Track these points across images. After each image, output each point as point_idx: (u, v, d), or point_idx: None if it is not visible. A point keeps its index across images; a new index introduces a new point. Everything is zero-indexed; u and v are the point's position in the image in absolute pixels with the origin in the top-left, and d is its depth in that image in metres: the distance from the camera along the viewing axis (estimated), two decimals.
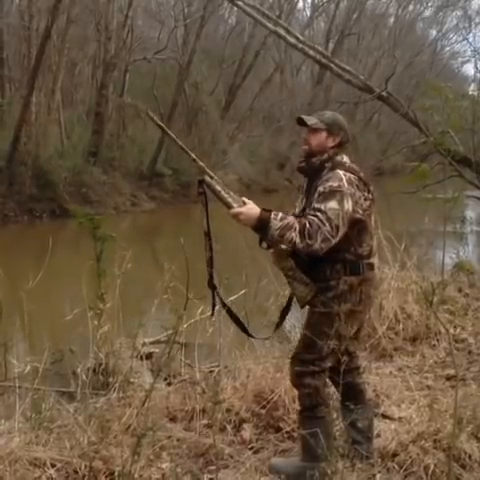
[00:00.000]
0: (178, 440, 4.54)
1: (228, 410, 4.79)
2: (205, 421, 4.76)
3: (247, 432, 4.68)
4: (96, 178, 24.66)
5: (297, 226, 3.71)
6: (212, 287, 4.10)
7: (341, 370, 3.84)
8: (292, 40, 13.37)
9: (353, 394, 4.18)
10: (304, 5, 42.39)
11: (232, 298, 6.27)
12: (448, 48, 48.90)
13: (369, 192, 3.93)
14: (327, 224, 3.71)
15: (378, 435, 4.48)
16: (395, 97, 12.20)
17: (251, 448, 4.54)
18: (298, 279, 3.96)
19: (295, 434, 4.48)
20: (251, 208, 3.83)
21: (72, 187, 23.17)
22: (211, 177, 4.01)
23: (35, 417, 4.49)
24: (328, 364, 4.01)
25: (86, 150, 25.24)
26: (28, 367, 5.42)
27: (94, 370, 5.86)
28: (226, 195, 3.93)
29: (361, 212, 3.85)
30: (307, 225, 3.70)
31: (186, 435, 4.64)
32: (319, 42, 29.39)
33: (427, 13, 45.44)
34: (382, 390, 5.48)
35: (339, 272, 3.91)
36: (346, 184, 3.82)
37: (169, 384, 5.65)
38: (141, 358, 6.18)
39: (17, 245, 17.71)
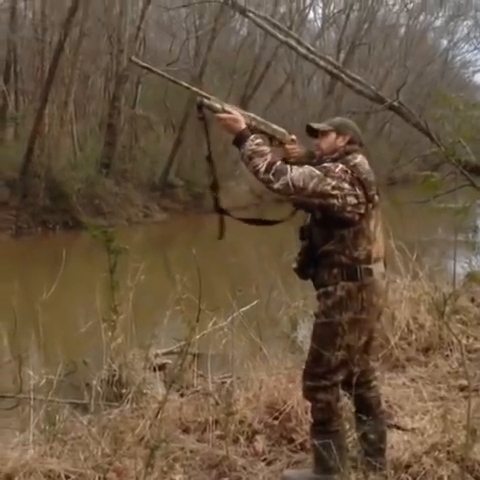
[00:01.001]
0: (191, 452, 4.55)
1: (241, 421, 4.80)
2: (218, 432, 4.76)
3: (260, 443, 4.68)
4: (108, 189, 24.75)
5: (269, 158, 3.77)
6: (219, 211, 4.15)
7: (353, 382, 3.84)
8: (303, 51, 13.39)
9: (365, 407, 4.17)
10: (315, 16, 42.64)
11: (244, 309, 6.31)
12: (459, 57, 48.82)
13: (366, 195, 3.88)
14: (296, 174, 3.74)
15: (391, 446, 4.46)
16: (406, 107, 12.18)
17: (264, 460, 4.55)
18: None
19: (308, 445, 4.48)
20: (236, 120, 3.90)
21: (85, 199, 23.25)
22: (208, 98, 4.00)
23: (49, 429, 4.52)
24: (340, 377, 3.99)
25: (99, 162, 25.34)
26: (43, 379, 5.44)
27: (107, 381, 5.88)
28: (218, 105, 3.95)
29: (341, 201, 3.79)
30: (278, 163, 3.78)
31: (199, 446, 4.64)
32: (330, 52, 29.39)
33: (438, 23, 45.37)
34: (395, 401, 5.48)
35: (336, 277, 3.89)
36: (338, 170, 3.84)
37: (182, 395, 5.65)
38: (154, 369, 6.20)
39: (31, 257, 17.79)
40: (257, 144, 3.83)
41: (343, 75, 13.19)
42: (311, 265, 4.01)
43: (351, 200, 3.83)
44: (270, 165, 3.76)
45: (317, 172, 3.79)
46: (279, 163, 3.79)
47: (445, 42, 46.75)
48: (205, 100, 3.97)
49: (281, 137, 4.21)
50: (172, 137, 29.89)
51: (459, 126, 9.83)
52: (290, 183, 3.73)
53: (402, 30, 43.11)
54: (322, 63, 13.34)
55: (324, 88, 38.91)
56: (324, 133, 4.11)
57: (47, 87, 22.51)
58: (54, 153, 23.41)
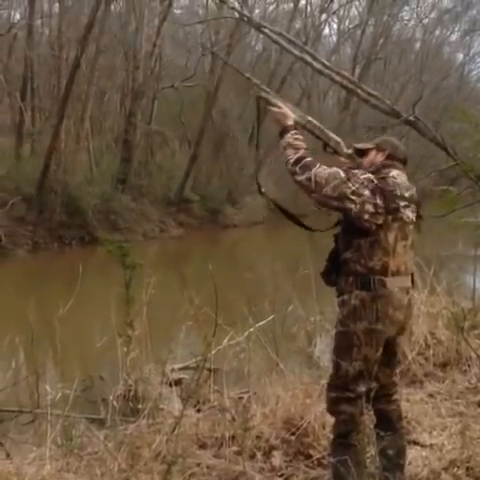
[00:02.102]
0: (208, 467, 4.52)
1: (258, 437, 4.77)
2: (235, 448, 4.74)
3: (277, 459, 4.65)
4: (125, 205, 24.85)
5: (301, 153, 3.92)
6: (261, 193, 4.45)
7: (371, 396, 3.82)
8: (318, 66, 13.40)
9: (385, 420, 4.15)
10: (330, 31, 42.79)
11: (260, 324, 6.29)
12: (475, 72, 49.16)
13: (386, 207, 3.88)
14: (321, 171, 3.84)
15: (409, 462, 4.42)
16: (422, 121, 12.14)
17: (281, 475, 4.52)
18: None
19: (325, 461, 4.45)
20: (285, 116, 4.14)
21: (101, 214, 23.35)
22: (267, 92, 4.38)
23: (66, 444, 4.52)
24: (362, 388, 3.97)
25: (115, 177, 25.45)
26: (59, 394, 5.44)
27: (124, 397, 5.88)
28: (274, 100, 4.27)
29: (359, 207, 3.83)
30: (308, 158, 3.90)
31: (216, 462, 4.62)
32: (346, 67, 29.41)
33: (454, 37, 45.48)
34: (413, 417, 5.43)
35: (351, 285, 3.93)
36: (362, 177, 3.89)
37: (198, 411, 5.64)
38: (170, 384, 6.18)
39: (47, 272, 17.86)
40: (295, 138, 4.01)
41: (359, 90, 13.18)
42: (334, 271, 4.07)
43: (368, 208, 3.85)
44: (300, 158, 3.90)
45: (342, 175, 3.86)
46: (309, 159, 3.90)
47: (461, 56, 46.91)
48: (263, 93, 4.32)
49: (335, 145, 4.31)
50: (187, 152, 30.02)
51: (478, 141, 9.80)
52: (313, 178, 3.83)
53: (418, 45, 43.19)
54: (337, 78, 13.34)
55: (340, 103, 39.00)
56: (366, 152, 4.21)
57: (63, 103, 22.68)
58: (70, 169, 23.55)
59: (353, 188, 3.82)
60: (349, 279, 3.94)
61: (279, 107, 4.17)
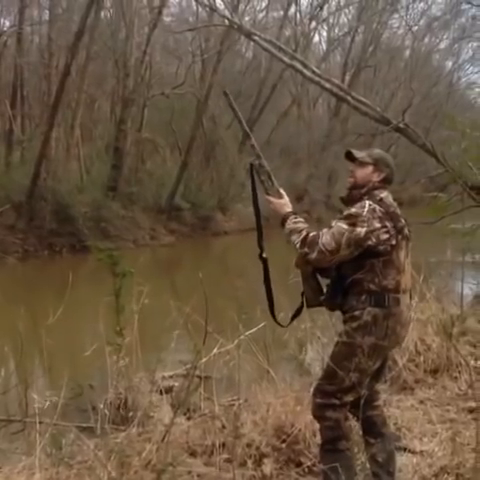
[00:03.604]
0: (198, 475, 4.52)
1: (248, 445, 4.76)
2: (225, 456, 4.73)
3: (268, 467, 4.64)
4: (115, 212, 24.82)
5: (304, 233, 3.95)
6: (262, 259, 4.31)
7: (361, 404, 3.83)
8: (308, 73, 13.46)
9: (370, 425, 4.16)
10: (320, 39, 42.64)
11: (251, 331, 6.28)
12: (464, 79, 49.19)
13: (395, 227, 3.95)
14: (326, 238, 3.86)
15: (400, 469, 4.43)
16: (412, 128, 12.20)
17: None
18: (310, 284, 4.20)
19: (316, 468, 4.44)
20: (282, 204, 4.18)
21: (91, 222, 23.31)
22: (260, 156, 4.30)
23: (55, 453, 4.49)
24: (349, 398, 4.00)
25: (105, 185, 25.43)
26: (48, 403, 5.41)
27: (114, 405, 5.86)
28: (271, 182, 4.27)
29: (375, 241, 3.87)
30: (310, 235, 3.92)
31: (206, 470, 4.61)
32: (335, 75, 29.56)
33: (443, 45, 45.70)
34: (403, 423, 5.44)
35: (364, 303, 3.95)
36: (366, 212, 3.90)
37: (189, 418, 5.63)
38: (161, 392, 6.17)
39: (37, 280, 17.81)
40: (294, 222, 4.06)
41: (349, 97, 13.24)
42: (339, 294, 4.07)
43: (383, 236, 3.91)
44: (304, 239, 3.94)
45: (345, 226, 3.87)
46: (312, 234, 3.93)
47: (450, 64, 47.13)
48: (262, 160, 4.27)
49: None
50: (178, 160, 30.03)
51: (466, 148, 9.85)
52: (323, 248, 3.86)
53: (407, 52, 43.43)
54: (328, 85, 13.40)
55: (330, 110, 39.12)
56: (362, 164, 4.19)
57: (54, 111, 22.64)
58: (61, 176, 23.52)
59: (363, 231, 3.86)
60: (361, 298, 3.96)
61: (280, 195, 4.20)
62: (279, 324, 4.51)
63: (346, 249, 3.85)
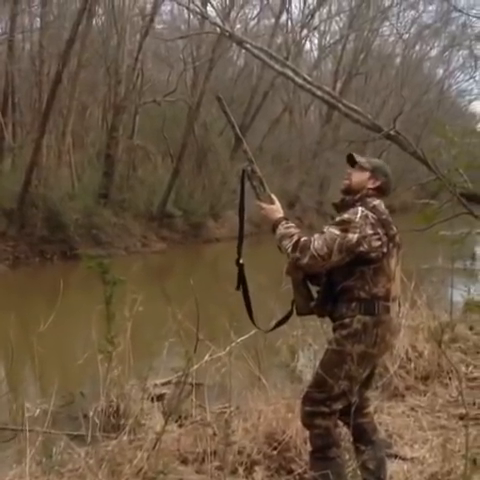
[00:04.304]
0: None
1: (239, 452, 4.76)
2: (217, 463, 4.72)
3: (259, 474, 4.64)
4: (107, 219, 24.79)
5: (295, 238, 3.94)
6: (238, 264, 4.32)
7: (351, 412, 3.84)
8: (300, 81, 13.48)
9: (359, 435, 4.17)
10: (311, 46, 42.74)
11: (242, 338, 6.28)
12: (455, 86, 49.29)
13: (387, 235, 3.95)
14: (318, 243, 3.86)
15: (390, 476, 4.44)
16: (403, 136, 12.22)
17: None
18: (300, 292, 4.19)
19: (307, 476, 4.44)
20: (274, 210, 4.16)
21: (83, 229, 23.28)
22: (252, 162, 4.28)
23: (46, 461, 4.48)
24: (339, 406, 4.00)
25: (97, 192, 25.40)
26: (39, 411, 5.40)
27: (105, 413, 5.84)
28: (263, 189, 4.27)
29: (366, 247, 3.87)
30: (302, 240, 3.91)
31: (198, 478, 4.61)
32: (327, 82, 29.63)
33: (433, 53, 45.80)
34: (394, 430, 5.45)
35: (354, 310, 3.95)
36: (358, 218, 3.91)
37: (180, 426, 5.62)
38: (152, 400, 6.16)
39: (28, 287, 17.75)
40: (286, 227, 4.05)
41: (340, 105, 13.27)
42: (329, 301, 4.07)
43: (375, 243, 3.92)
44: (296, 244, 3.92)
45: (337, 232, 3.88)
46: (304, 239, 3.92)
47: (441, 71, 47.31)
48: (254, 166, 4.25)
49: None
50: (170, 167, 30.03)
51: (456, 156, 9.88)
52: (315, 253, 3.85)
53: (398, 60, 43.48)
54: (319, 93, 13.42)
55: (321, 117, 39.20)
56: (361, 168, 4.21)
57: (45, 118, 22.62)
58: (52, 183, 23.47)
59: (355, 237, 3.86)
60: (351, 305, 3.96)
61: (271, 200, 4.19)
62: (259, 328, 4.52)
63: (338, 255, 3.85)
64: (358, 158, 4.23)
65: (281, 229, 4.04)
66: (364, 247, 3.88)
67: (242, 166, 4.32)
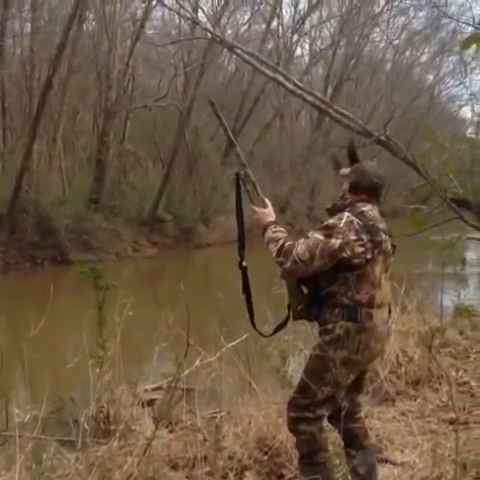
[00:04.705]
0: None
1: (230, 457, 4.75)
2: (207, 468, 4.71)
3: (249, 479, 4.63)
4: (97, 225, 24.77)
5: (281, 242, 3.95)
6: (242, 267, 4.30)
7: (341, 416, 3.84)
8: (291, 86, 13.50)
9: (351, 440, 4.17)
10: (302, 52, 42.92)
11: (233, 343, 6.27)
12: (445, 92, 49.42)
13: (372, 241, 3.94)
14: (301, 248, 3.87)
15: None
16: (394, 141, 12.25)
17: None
18: (295, 296, 4.16)
19: None
20: (266, 214, 4.19)
21: (73, 234, 23.25)
22: (245, 166, 4.31)
23: (36, 467, 4.45)
24: (324, 412, 4.01)
25: (87, 197, 25.39)
26: (29, 416, 5.38)
27: (95, 418, 5.82)
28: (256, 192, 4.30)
29: (349, 253, 3.87)
30: (286, 244, 3.92)
31: None
32: (318, 88, 29.64)
33: (424, 59, 45.97)
34: (385, 435, 5.45)
35: (337, 316, 3.94)
36: (342, 224, 3.91)
37: (171, 431, 5.60)
38: (143, 405, 6.14)
39: (19, 292, 17.71)
40: (273, 231, 4.06)
41: (331, 110, 13.29)
42: (315, 306, 4.07)
43: (358, 249, 3.90)
44: (280, 248, 3.93)
45: (320, 237, 3.88)
46: (288, 244, 3.93)
47: (431, 77, 47.46)
48: (247, 170, 4.27)
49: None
50: (160, 172, 30.05)
51: (446, 161, 9.90)
52: (296, 258, 3.86)
53: (388, 65, 43.71)
54: (310, 98, 13.45)
55: (312, 123, 39.27)
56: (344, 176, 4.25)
57: (35, 123, 22.60)
58: (42, 188, 23.44)
59: (338, 242, 3.86)
60: (334, 311, 3.96)
61: (264, 204, 4.22)
62: (261, 334, 4.52)
63: (320, 260, 3.85)
64: (345, 172, 4.27)
65: (269, 233, 4.05)
66: (347, 253, 3.87)
67: (236, 170, 4.34)
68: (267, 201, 4.24)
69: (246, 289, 4.29)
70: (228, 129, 4.48)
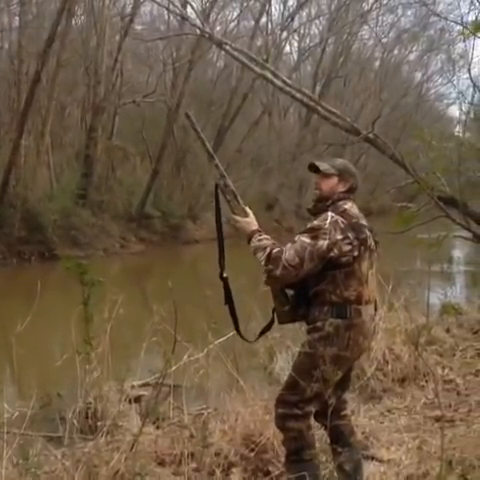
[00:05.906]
0: None
1: (217, 454, 4.76)
2: (194, 465, 4.72)
3: (236, 476, 4.64)
4: (85, 220, 24.71)
5: (268, 250, 3.94)
6: (222, 278, 4.28)
7: (328, 413, 3.86)
8: (279, 83, 13.52)
9: (337, 437, 4.18)
10: (291, 49, 42.70)
11: (220, 340, 6.29)
12: (433, 90, 49.48)
13: (357, 238, 3.96)
14: (290, 253, 3.87)
15: (367, 478, 4.46)
16: (382, 139, 12.31)
17: None
18: (280, 301, 4.16)
19: (284, 478, 4.45)
20: (248, 223, 4.18)
21: (61, 230, 23.19)
22: (224, 176, 4.29)
23: (22, 463, 4.45)
24: (311, 408, 4.02)
25: (75, 193, 25.29)
26: (16, 412, 5.37)
27: (82, 414, 5.82)
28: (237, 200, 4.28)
29: (337, 252, 3.89)
30: (274, 251, 3.92)
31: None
32: (306, 85, 29.65)
33: (412, 57, 46.02)
34: (371, 432, 5.48)
35: (326, 314, 3.96)
36: (327, 224, 3.92)
37: (158, 428, 5.61)
38: (130, 401, 6.14)
39: (5, 288, 17.63)
40: (259, 240, 4.06)
41: (319, 107, 13.32)
42: (302, 305, 4.08)
43: (345, 248, 3.93)
44: (268, 255, 3.93)
45: (307, 240, 3.89)
46: (275, 250, 3.93)
47: (419, 75, 47.54)
48: (227, 180, 4.26)
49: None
50: (149, 168, 29.99)
51: (433, 159, 9.95)
52: (286, 264, 3.86)
53: (377, 63, 43.74)
54: (298, 95, 13.47)
55: (300, 120, 39.27)
56: (327, 175, 4.19)
57: (23, 118, 22.49)
58: (30, 184, 23.34)
59: (325, 243, 3.88)
60: (324, 309, 3.97)
61: (246, 213, 4.21)
62: (246, 340, 4.52)
63: (310, 263, 3.87)
64: (321, 166, 4.20)
65: (255, 242, 4.05)
66: (335, 252, 3.89)
67: (215, 180, 4.33)
68: (248, 210, 4.23)
69: (228, 300, 4.27)
70: (206, 142, 4.42)
